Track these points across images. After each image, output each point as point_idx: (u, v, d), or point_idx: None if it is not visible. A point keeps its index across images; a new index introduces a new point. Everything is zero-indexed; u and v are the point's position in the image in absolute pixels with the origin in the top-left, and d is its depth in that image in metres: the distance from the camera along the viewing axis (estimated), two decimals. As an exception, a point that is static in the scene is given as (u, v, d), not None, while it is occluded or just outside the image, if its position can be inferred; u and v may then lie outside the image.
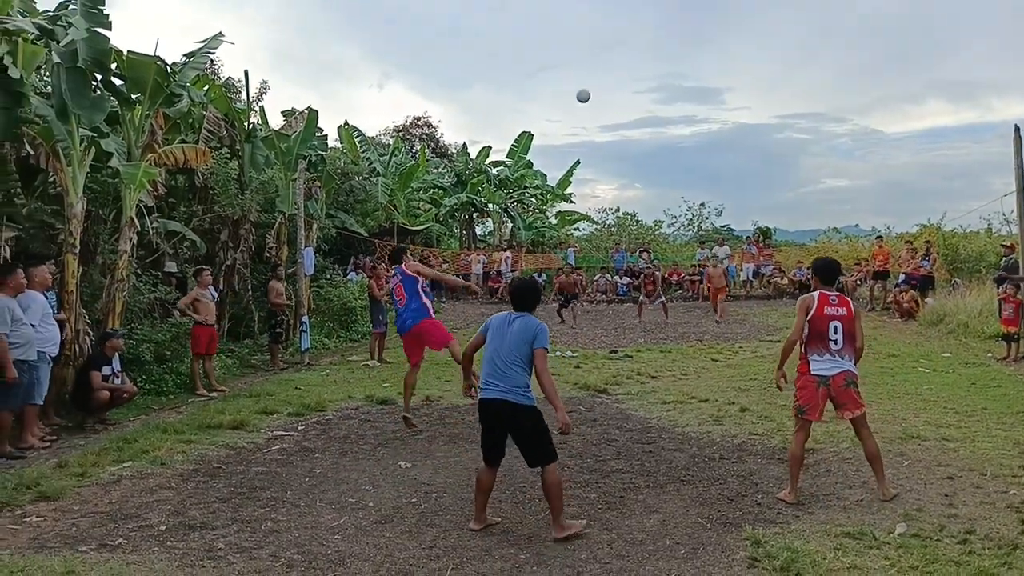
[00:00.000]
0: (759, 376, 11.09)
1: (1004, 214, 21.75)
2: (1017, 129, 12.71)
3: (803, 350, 5.97)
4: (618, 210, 39.27)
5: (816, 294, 6.03)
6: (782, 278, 25.65)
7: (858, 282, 23.33)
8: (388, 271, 16.01)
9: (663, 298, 20.13)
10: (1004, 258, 16.06)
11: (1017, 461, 6.48)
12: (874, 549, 4.72)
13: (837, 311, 5.87)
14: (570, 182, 35.04)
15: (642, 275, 22.30)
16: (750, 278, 26.44)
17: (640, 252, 29.82)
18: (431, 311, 8.19)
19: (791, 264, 26.77)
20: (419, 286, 8.13)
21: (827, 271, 6.25)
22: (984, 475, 6.16)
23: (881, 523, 5.16)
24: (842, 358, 5.83)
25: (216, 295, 11.86)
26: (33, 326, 7.76)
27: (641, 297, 20.75)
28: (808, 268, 25.79)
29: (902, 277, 19.48)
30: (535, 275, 28.16)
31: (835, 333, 5.82)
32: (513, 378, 5.15)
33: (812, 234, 37.50)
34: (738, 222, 42.15)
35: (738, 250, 28.91)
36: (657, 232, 38.10)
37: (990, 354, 12.63)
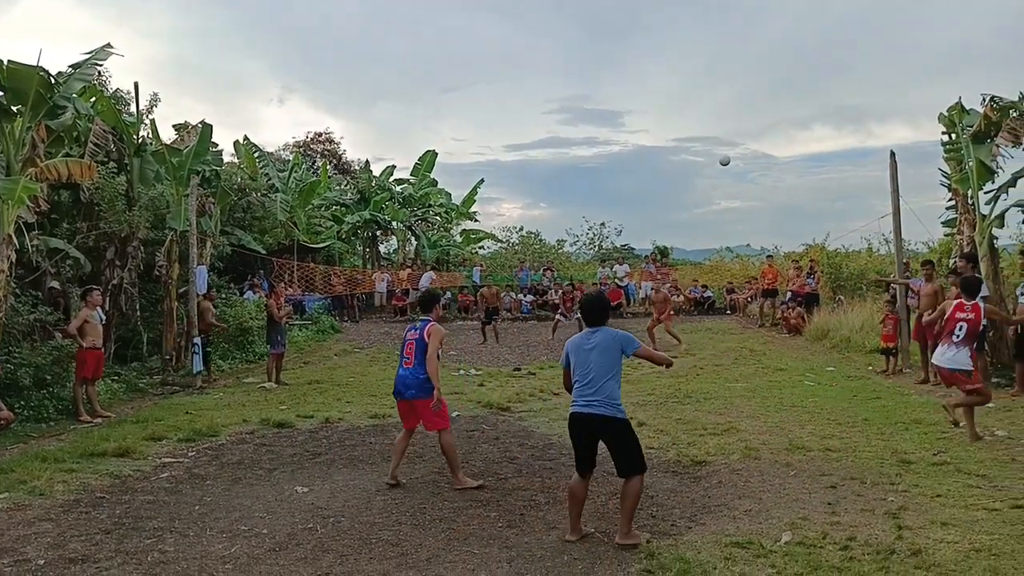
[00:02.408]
0: (656, 391, 11.37)
1: (883, 234, 23.08)
2: (893, 155, 13.55)
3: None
4: (522, 229, 39.79)
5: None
6: (679, 296, 26.41)
7: (749, 299, 24.29)
8: (284, 291, 15.67)
9: (578, 315, 20.37)
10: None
11: (895, 469, 6.84)
12: (761, 558, 4.90)
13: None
14: (475, 200, 35.27)
15: (561, 292, 22.58)
16: (649, 295, 27.11)
17: (544, 270, 30.21)
18: (436, 391, 6.82)
19: (687, 282, 27.63)
20: (428, 354, 6.81)
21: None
22: (865, 483, 6.48)
23: (768, 532, 5.36)
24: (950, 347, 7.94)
25: (103, 316, 11.34)
26: None
27: (558, 315, 20.99)
28: (704, 286, 26.74)
29: (789, 295, 20.36)
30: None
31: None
32: (609, 392, 5.38)
33: (707, 253, 38.85)
34: (637, 241, 43.28)
35: (637, 268, 29.64)
36: (560, 251, 38.70)
37: (871, 367, 13.33)
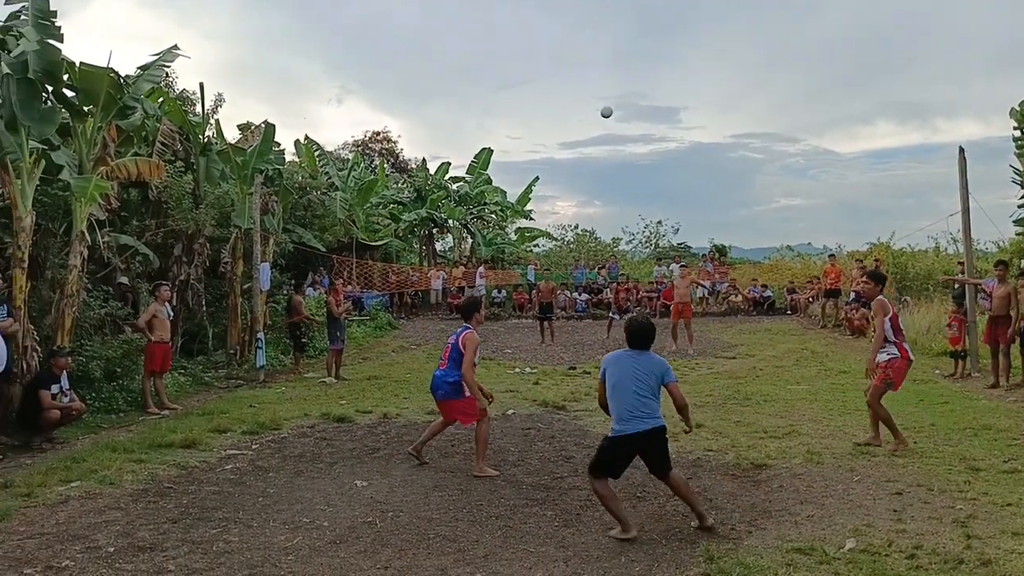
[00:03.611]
0: (715, 393, 11.23)
1: (951, 233, 22.41)
2: (962, 150, 13.14)
3: (897, 340, 7.78)
4: (577, 227, 39.66)
5: (883, 298, 7.82)
6: (737, 295, 26.03)
7: (810, 300, 23.79)
8: (343, 288, 15.94)
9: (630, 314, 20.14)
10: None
11: (964, 476, 6.64)
12: (824, 564, 4.80)
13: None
14: (529, 198, 35.29)
15: (615, 288, 22.49)
16: (706, 295, 26.77)
17: (599, 269, 30.06)
18: (465, 391, 7.24)
19: (746, 282, 27.19)
20: (464, 364, 7.12)
21: (882, 279, 8.32)
22: (932, 490, 6.30)
23: (831, 538, 5.25)
24: None
25: (171, 311, 11.67)
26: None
27: (611, 313, 20.93)
28: (764, 285, 26.26)
29: (852, 295, 19.90)
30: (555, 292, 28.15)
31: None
32: (653, 406, 5.56)
33: (767, 252, 38.17)
34: (694, 239, 42.68)
35: (694, 267, 29.27)
36: (615, 249, 38.47)
37: (938, 371, 12.94)
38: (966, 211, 13.20)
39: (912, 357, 7.99)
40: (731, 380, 11.92)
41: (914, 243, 25.34)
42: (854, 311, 18.99)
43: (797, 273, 28.08)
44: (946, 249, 24.43)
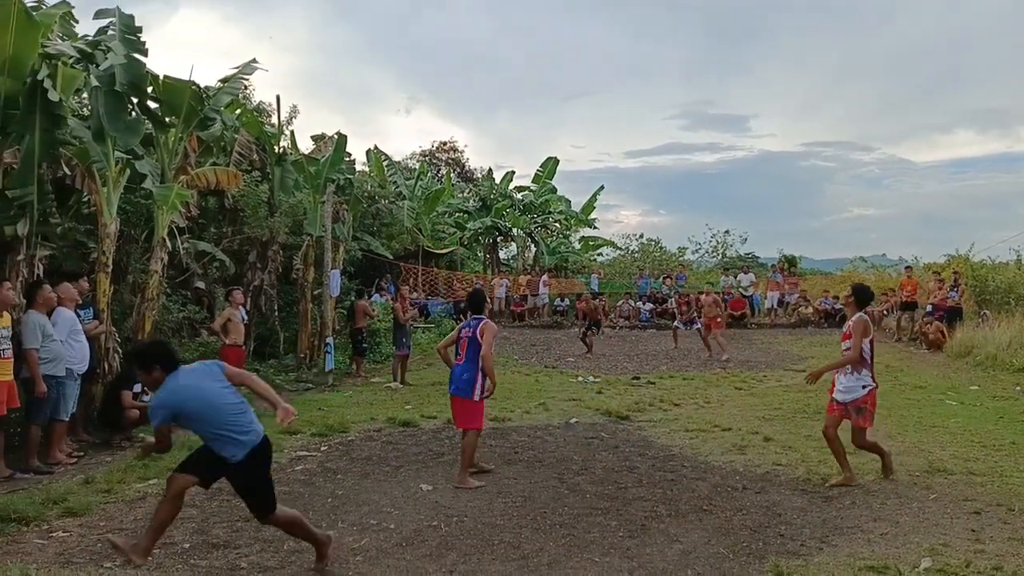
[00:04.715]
0: (783, 406, 11.00)
1: (1034, 245, 21.47)
2: (1047, 160, 12.62)
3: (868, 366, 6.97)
4: (642, 236, 39.28)
5: (866, 317, 6.97)
6: (807, 307, 25.43)
7: (885, 312, 23.09)
8: (409, 295, 16.17)
9: (697, 326, 19.72)
10: None
11: (1047, 497, 6.38)
12: (899, 584, 4.67)
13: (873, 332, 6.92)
14: (594, 207, 35.14)
15: (677, 298, 22.35)
16: (775, 306, 26.24)
17: (664, 278, 29.76)
18: (476, 392, 7.21)
19: (817, 293, 26.55)
20: (484, 351, 7.12)
21: (867, 296, 7.30)
22: (1012, 510, 6.07)
23: (906, 557, 5.10)
24: None
25: (245, 316, 12.01)
26: (60, 342, 7.91)
27: (675, 323, 20.72)
28: (836, 297, 25.63)
29: (929, 308, 19.27)
30: (559, 299, 28.20)
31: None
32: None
33: (839, 263, 37.16)
34: (763, 250, 41.84)
35: (763, 278, 28.74)
36: (681, 259, 37.99)
37: (1019, 387, 12.43)
38: (1052, 222, 12.67)
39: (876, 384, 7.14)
40: (800, 393, 11.64)
41: (995, 255, 24.33)
42: (929, 325, 18.38)
43: (872, 285, 27.19)
44: (1030, 262, 23.43)
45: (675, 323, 20.97)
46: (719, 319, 17.99)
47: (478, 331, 7.19)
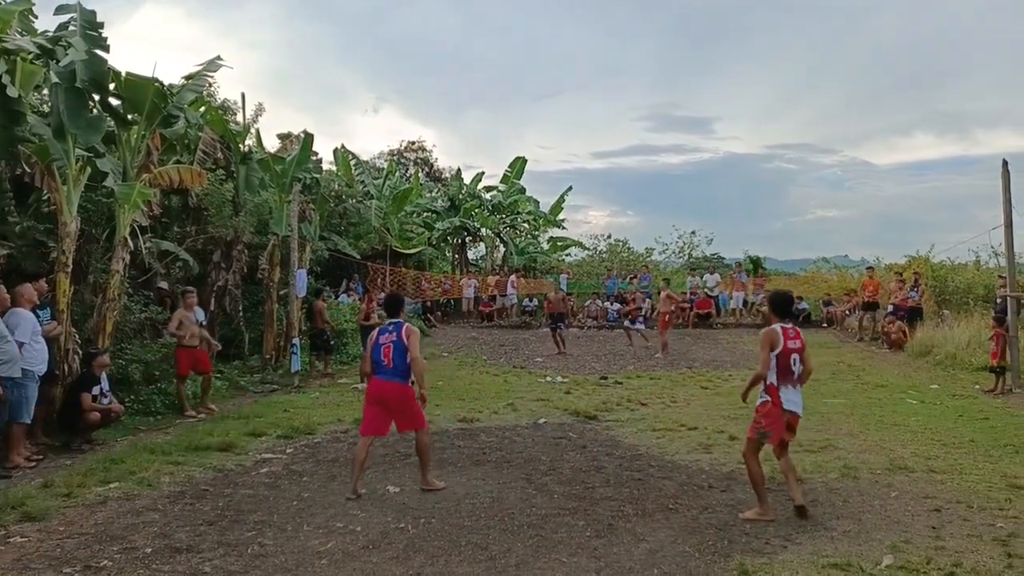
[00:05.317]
0: (748, 404, 11.09)
1: (992, 247, 21.92)
2: (1005, 163, 12.90)
3: (773, 381, 6.18)
4: (609, 236, 39.56)
5: (778, 328, 6.23)
6: (766, 307, 25.69)
7: (847, 312, 23.45)
8: (377, 295, 16.09)
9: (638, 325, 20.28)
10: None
11: (1004, 494, 6.52)
12: (861, 581, 4.73)
13: (795, 344, 6.21)
14: (562, 208, 35.31)
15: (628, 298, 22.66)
16: (740, 306, 26.53)
17: (629, 278, 29.96)
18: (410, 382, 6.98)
19: (781, 293, 26.81)
20: (412, 355, 6.81)
21: (785, 304, 6.50)
22: (971, 507, 6.19)
23: (868, 554, 5.18)
24: (798, 389, 6.26)
25: (204, 317, 11.85)
26: (21, 344, 7.74)
27: (626, 323, 20.94)
28: (798, 298, 25.93)
29: (890, 308, 19.59)
30: (527, 299, 28.30)
31: (795, 365, 6.19)
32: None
33: (802, 263, 37.69)
34: (729, 250, 42.30)
35: (728, 278, 29.03)
36: (648, 259, 38.27)
37: (978, 386, 12.69)
38: (1009, 225, 12.95)
39: (787, 408, 6.12)
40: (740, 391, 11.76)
41: (954, 256, 24.84)
42: (891, 324, 18.70)
43: (833, 285, 27.69)
44: (987, 263, 23.95)
45: (626, 322, 21.24)
46: (667, 316, 18.47)
47: (402, 335, 6.85)
